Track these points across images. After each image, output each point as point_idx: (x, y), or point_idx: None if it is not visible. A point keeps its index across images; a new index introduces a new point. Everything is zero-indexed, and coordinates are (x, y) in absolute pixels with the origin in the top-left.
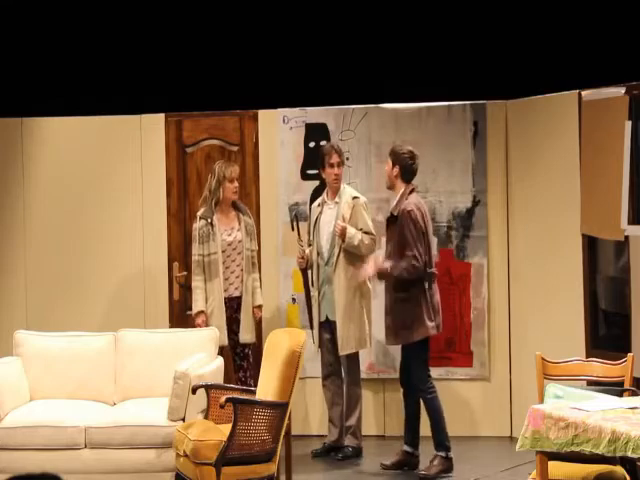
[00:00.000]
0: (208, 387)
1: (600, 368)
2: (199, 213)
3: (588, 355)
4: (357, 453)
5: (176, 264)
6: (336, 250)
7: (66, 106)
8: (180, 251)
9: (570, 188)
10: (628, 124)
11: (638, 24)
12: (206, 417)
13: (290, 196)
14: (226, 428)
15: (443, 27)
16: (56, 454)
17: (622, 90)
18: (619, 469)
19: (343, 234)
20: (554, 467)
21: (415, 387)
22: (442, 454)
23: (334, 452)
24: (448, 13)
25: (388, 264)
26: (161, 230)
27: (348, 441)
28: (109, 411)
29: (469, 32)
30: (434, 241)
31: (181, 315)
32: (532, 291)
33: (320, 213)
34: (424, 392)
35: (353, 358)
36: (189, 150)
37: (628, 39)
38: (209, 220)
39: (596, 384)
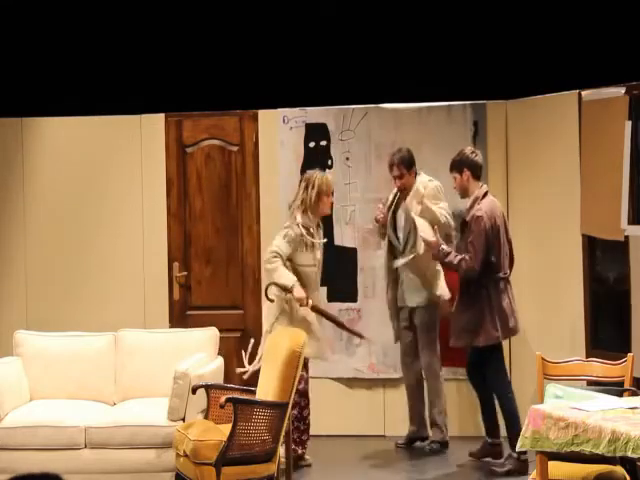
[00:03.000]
0: (208, 387)
1: (600, 368)
2: (300, 220)
3: (588, 355)
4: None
5: (176, 264)
6: (411, 241)
7: (66, 106)
8: (180, 251)
9: (570, 188)
10: (628, 124)
11: (638, 24)
12: (206, 417)
13: (290, 196)
14: (226, 428)
15: (443, 27)
16: (56, 454)
17: (622, 90)
18: (619, 469)
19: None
20: (554, 467)
21: (493, 391)
22: (515, 454)
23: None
24: (448, 13)
25: (445, 246)
26: (161, 230)
27: (432, 434)
28: (109, 411)
29: (469, 32)
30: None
31: (181, 315)
32: (532, 291)
33: (396, 206)
34: (502, 397)
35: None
36: (189, 150)
37: (628, 39)
38: (311, 230)
39: (596, 384)
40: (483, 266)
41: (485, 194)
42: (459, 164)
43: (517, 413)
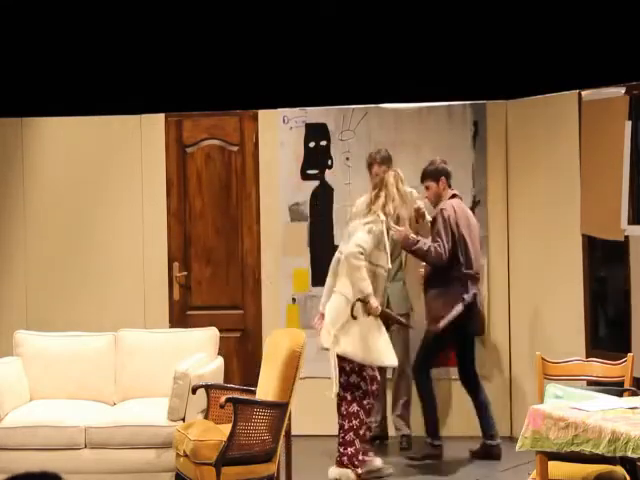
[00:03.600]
0: (208, 387)
1: (600, 368)
2: (383, 218)
3: (588, 355)
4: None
5: (176, 264)
6: (398, 250)
7: (66, 106)
8: (180, 251)
9: (570, 188)
10: (628, 124)
11: (638, 24)
12: (206, 417)
13: (290, 196)
14: (226, 428)
15: (443, 27)
16: (56, 454)
17: (622, 90)
18: (619, 469)
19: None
20: (554, 467)
21: (415, 369)
22: (428, 440)
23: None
24: (448, 13)
25: (414, 236)
26: (161, 230)
27: (403, 430)
28: (109, 411)
29: (469, 32)
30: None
31: (181, 315)
32: (532, 291)
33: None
34: (420, 381)
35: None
36: (189, 150)
37: (628, 39)
38: (389, 230)
39: (596, 384)
40: (450, 257)
41: (453, 196)
42: (436, 173)
43: (431, 401)
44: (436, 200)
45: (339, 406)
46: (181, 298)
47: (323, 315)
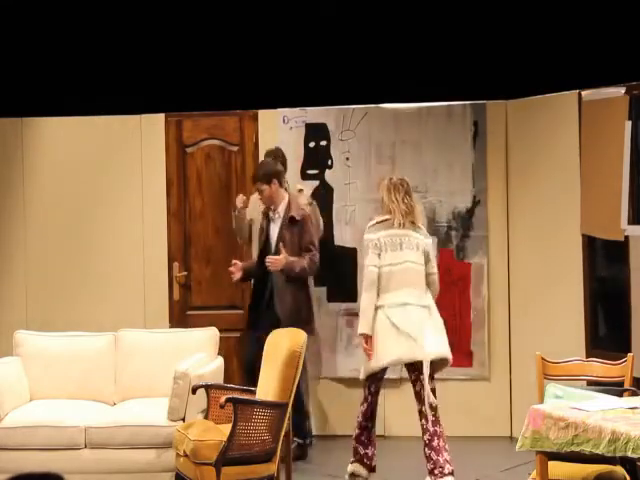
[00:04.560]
0: (208, 387)
1: (600, 368)
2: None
3: (588, 355)
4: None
5: (176, 264)
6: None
7: (66, 106)
8: (180, 251)
9: (570, 188)
10: (628, 124)
11: (638, 24)
12: (206, 417)
13: None
14: (226, 428)
15: (443, 27)
16: (56, 454)
17: (622, 90)
18: (619, 469)
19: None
20: (554, 467)
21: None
22: (300, 441)
23: None
24: (448, 13)
25: (292, 259)
26: (161, 230)
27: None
28: (109, 411)
29: (469, 32)
30: None
31: (181, 315)
32: (532, 291)
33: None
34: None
35: None
36: (189, 150)
37: (628, 39)
38: None
39: (596, 384)
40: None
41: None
42: (268, 176)
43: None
44: (270, 202)
45: (429, 414)
46: (181, 298)
47: (369, 337)
